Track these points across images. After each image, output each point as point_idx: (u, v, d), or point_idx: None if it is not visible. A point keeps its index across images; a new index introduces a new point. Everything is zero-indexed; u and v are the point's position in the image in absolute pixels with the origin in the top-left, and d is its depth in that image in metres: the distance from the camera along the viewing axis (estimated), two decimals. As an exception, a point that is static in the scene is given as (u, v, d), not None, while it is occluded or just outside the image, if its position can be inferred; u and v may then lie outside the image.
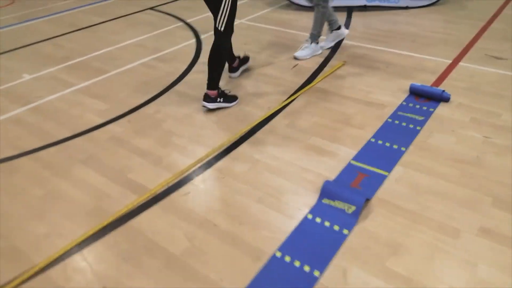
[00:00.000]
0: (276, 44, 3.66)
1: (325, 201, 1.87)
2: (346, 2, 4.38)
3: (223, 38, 2.47)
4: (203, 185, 1.98)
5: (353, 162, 2.13)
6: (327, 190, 1.89)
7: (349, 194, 1.85)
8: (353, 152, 2.20)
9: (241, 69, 3.13)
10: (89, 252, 1.62)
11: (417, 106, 2.63)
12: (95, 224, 1.74)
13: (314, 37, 3.35)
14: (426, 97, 2.70)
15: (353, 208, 1.79)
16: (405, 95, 2.74)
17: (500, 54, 3.22)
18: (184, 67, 3.20)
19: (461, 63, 3.15)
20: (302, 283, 1.49)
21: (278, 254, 1.61)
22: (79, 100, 2.76)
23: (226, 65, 2.93)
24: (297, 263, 1.57)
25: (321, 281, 1.47)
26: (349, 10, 4.42)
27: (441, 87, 2.79)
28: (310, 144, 2.27)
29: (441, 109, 2.55)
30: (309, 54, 3.36)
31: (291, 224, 1.73)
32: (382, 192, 1.91)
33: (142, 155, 2.20)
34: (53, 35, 3.90)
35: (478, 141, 2.22)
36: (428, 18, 4.07)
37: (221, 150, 2.23)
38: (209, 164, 2.12)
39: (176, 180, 2.00)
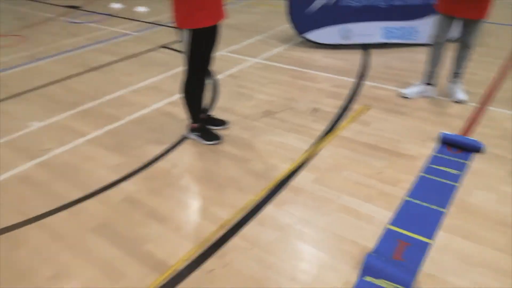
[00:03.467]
0: (293, 85, 3.53)
1: (368, 279, 1.67)
2: (363, 39, 4.28)
3: (188, 77, 2.46)
4: (229, 259, 1.78)
5: (392, 227, 1.95)
6: (370, 266, 1.70)
7: (394, 272, 1.65)
8: (389, 213, 2.02)
9: (193, 136, 2.67)
10: None
11: (451, 158, 2.46)
12: (110, 311, 1.55)
13: (429, 78, 3.19)
14: (459, 148, 2.54)
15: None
16: (435, 144, 2.58)
17: (530, 96, 3.08)
18: (199, 112, 3.06)
19: (489, 107, 2.99)
20: None
21: None
22: (90, 153, 2.60)
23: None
24: None
25: None
26: (365, 48, 4.32)
27: (472, 136, 2.63)
28: (342, 205, 2.09)
29: (476, 162, 2.40)
30: (417, 93, 3.21)
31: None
32: (429, 264, 1.73)
33: (160, 221, 2.01)
34: (63, 77, 3.79)
35: (524, 201, 2.04)
36: (448, 55, 3.96)
37: (245, 213, 2.05)
38: (233, 231, 1.94)
39: (199, 252, 1.81)
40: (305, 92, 3.38)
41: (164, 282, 1.67)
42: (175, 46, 4.46)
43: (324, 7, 4.16)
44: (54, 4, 6.76)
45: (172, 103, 3.20)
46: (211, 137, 2.66)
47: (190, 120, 2.66)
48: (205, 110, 2.83)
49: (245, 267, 1.74)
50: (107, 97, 3.36)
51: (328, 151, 2.57)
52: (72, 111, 3.15)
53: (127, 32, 5.16)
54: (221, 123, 2.83)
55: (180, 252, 1.81)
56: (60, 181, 2.33)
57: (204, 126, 2.70)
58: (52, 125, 2.97)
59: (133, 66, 4.04)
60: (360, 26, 4.22)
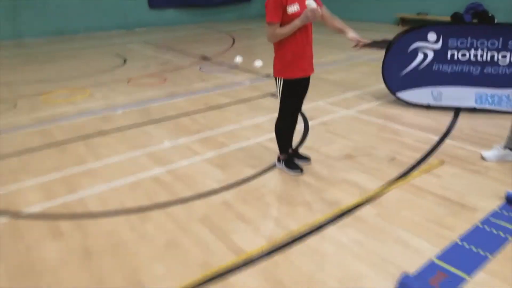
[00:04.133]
0: (377, 136, 3.96)
1: (402, 292, 2.02)
2: (454, 103, 4.52)
3: (280, 116, 3.12)
4: (291, 258, 2.30)
5: (435, 260, 2.25)
6: (404, 285, 2.05)
7: (424, 290, 1.98)
8: (437, 250, 2.32)
9: (280, 165, 3.27)
10: (194, 294, 2.04)
11: (511, 215, 2.63)
12: (201, 275, 2.18)
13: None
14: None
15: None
16: (501, 202, 2.77)
17: None
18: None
19: None
20: None
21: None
22: (202, 168, 3.39)
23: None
24: None
25: None
26: (457, 110, 4.54)
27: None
28: (396, 236, 2.46)
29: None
30: (497, 157, 3.37)
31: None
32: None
33: (245, 222, 2.63)
34: (191, 111, 4.81)
35: None
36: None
37: (310, 228, 2.55)
38: (299, 239, 2.45)
39: (268, 249, 2.36)
40: (387, 143, 3.78)
41: (239, 263, 2.25)
42: (281, 95, 5.26)
43: (416, 70, 4.56)
44: (190, 55, 8.26)
45: (269, 139, 3.89)
46: (294, 168, 3.24)
47: (279, 152, 3.29)
48: (294, 147, 3.45)
49: (303, 265, 2.23)
50: (221, 130, 4.21)
51: (395, 193, 2.94)
52: (194, 137, 4.04)
53: (244, 81, 6.17)
54: (305, 158, 3.41)
55: (255, 245, 2.39)
56: (180, 184, 3.14)
57: (290, 158, 3.30)
58: (179, 145, 3.88)
59: (243, 108, 4.90)
60: (452, 90, 4.49)
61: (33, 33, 10.51)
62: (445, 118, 4.35)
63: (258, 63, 7.04)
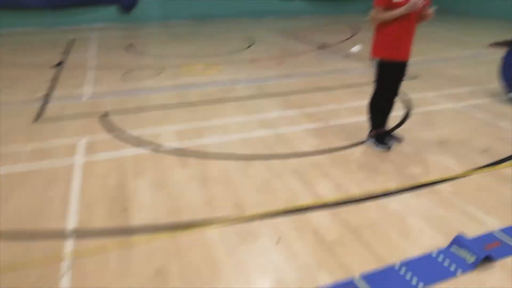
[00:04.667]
0: (477, 128, 3.99)
1: (453, 249, 2.30)
2: None
3: (373, 93, 3.47)
4: (362, 209, 2.72)
5: (497, 233, 2.43)
6: (459, 242, 2.31)
7: (475, 249, 2.22)
8: (500, 226, 2.49)
9: (370, 141, 3.63)
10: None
11: None
12: (284, 208, 2.74)
13: None
14: None
15: (473, 259, 2.18)
16: None
17: None
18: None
19: None
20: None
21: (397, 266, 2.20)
22: (302, 135, 3.92)
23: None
24: (408, 276, 2.12)
25: None
26: None
27: None
28: (465, 210, 2.68)
29: None
30: None
31: (419, 251, 2.28)
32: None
33: (328, 179, 3.11)
34: (301, 90, 5.36)
35: None
36: None
37: (386, 192, 2.91)
38: (374, 198, 2.84)
39: (344, 199, 2.81)
40: (486, 137, 3.81)
41: (316, 204, 2.75)
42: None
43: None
44: (310, 43, 8.78)
45: (366, 121, 4.23)
46: (383, 144, 3.57)
47: (370, 129, 3.64)
48: (389, 128, 3.76)
49: (369, 214, 2.64)
50: (324, 108, 4.67)
51: (477, 177, 3.09)
52: (299, 111, 4.57)
53: (356, 68, 6.47)
54: (397, 139, 3.69)
55: (333, 196, 2.86)
56: (279, 145, 3.73)
57: (381, 136, 3.61)
58: (285, 115, 4.47)
59: (349, 92, 5.26)
60: None
61: (179, 16, 12.23)
62: None
63: (356, 48, 7.25)
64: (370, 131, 3.66)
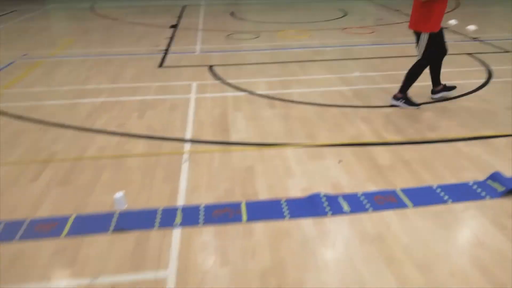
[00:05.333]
0: None
1: (489, 182, 2.73)
2: None
3: (418, 62, 3.90)
4: (421, 148, 3.22)
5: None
6: (495, 177, 2.73)
7: (507, 182, 2.64)
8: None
9: (441, 94, 4.17)
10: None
11: None
12: (350, 140, 3.36)
13: None
14: None
15: (503, 189, 2.61)
16: None
17: None
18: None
19: None
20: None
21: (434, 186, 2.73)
22: (376, 93, 4.41)
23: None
24: (441, 194, 2.64)
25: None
26: None
27: None
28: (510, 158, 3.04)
29: None
30: None
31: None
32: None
33: (396, 128, 3.63)
34: (384, 56, 5.73)
35: None
36: None
37: (444, 138, 3.35)
38: (431, 143, 3.31)
39: (403, 141, 3.33)
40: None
41: (378, 142, 3.32)
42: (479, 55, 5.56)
43: None
44: (404, 15, 8.83)
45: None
46: (413, 104, 4.01)
47: (400, 91, 4.03)
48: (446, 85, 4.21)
49: (423, 151, 3.14)
50: (403, 72, 5.05)
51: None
52: (379, 73, 5.01)
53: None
54: (453, 88, 4.20)
55: (393, 139, 3.39)
56: (355, 98, 4.28)
57: (407, 96, 4.02)
58: (365, 76, 4.96)
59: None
60: None
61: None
62: None
63: (453, 22, 7.22)
64: (400, 93, 4.03)
